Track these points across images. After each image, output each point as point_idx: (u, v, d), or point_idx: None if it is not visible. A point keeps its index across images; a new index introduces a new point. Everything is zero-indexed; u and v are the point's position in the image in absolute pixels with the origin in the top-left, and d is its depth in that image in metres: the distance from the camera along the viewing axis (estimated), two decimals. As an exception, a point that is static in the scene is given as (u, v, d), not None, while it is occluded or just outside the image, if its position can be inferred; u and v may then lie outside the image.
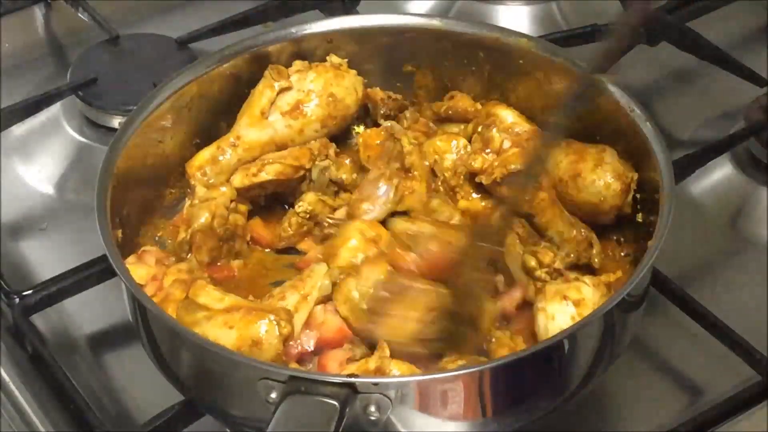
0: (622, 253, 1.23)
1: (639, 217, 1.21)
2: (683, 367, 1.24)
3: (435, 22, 1.33)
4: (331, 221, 1.26)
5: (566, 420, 1.15)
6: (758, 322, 1.25)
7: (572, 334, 1.04)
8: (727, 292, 1.30)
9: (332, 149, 1.30)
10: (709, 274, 1.32)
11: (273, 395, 0.98)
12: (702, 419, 1.14)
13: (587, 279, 1.13)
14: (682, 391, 1.22)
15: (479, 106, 1.31)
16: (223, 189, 1.25)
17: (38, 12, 1.68)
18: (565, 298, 1.11)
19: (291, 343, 1.11)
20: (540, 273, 1.18)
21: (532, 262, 1.18)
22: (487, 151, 1.25)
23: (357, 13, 1.58)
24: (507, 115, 1.27)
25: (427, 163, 1.27)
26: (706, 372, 1.22)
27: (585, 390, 1.08)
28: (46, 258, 1.37)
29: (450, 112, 1.32)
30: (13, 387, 1.20)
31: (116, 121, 1.49)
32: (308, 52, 1.32)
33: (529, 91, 1.30)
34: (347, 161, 1.31)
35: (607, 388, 1.20)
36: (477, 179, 1.25)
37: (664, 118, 1.48)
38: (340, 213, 1.26)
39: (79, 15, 1.63)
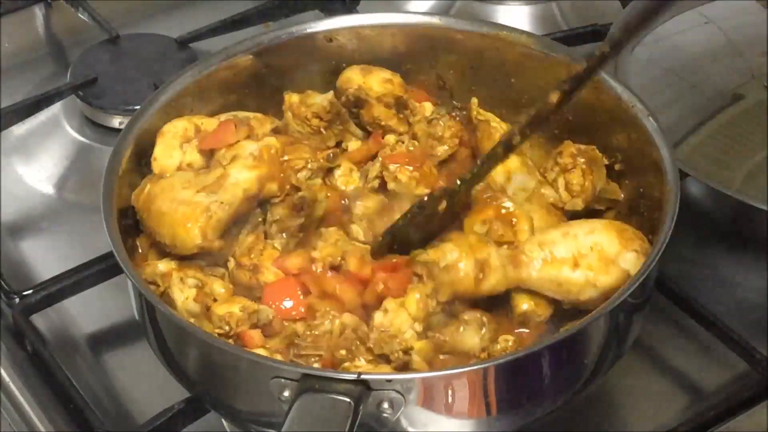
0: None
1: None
2: (683, 367, 1.24)
3: (435, 21, 1.33)
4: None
5: (567, 420, 1.15)
6: (758, 322, 1.26)
7: (578, 332, 1.03)
8: (727, 292, 1.30)
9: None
10: (709, 274, 1.33)
11: (286, 393, 0.98)
12: (702, 419, 1.15)
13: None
14: (682, 391, 1.22)
15: None
16: None
17: (38, 12, 1.68)
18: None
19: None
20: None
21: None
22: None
23: (357, 12, 1.58)
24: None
25: None
26: (707, 372, 1.23)
27: (589, 388, 1.08)
28: (46, 258, 1.37)
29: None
30: (13, 387, 1.20)
31: (116, 121, 1.49)
32: (309, 52, 1.32)
33: (528, 88, 1.30)
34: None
35: (607, 388, 1.20)
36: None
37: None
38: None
39: (79, 15, 1.64)
